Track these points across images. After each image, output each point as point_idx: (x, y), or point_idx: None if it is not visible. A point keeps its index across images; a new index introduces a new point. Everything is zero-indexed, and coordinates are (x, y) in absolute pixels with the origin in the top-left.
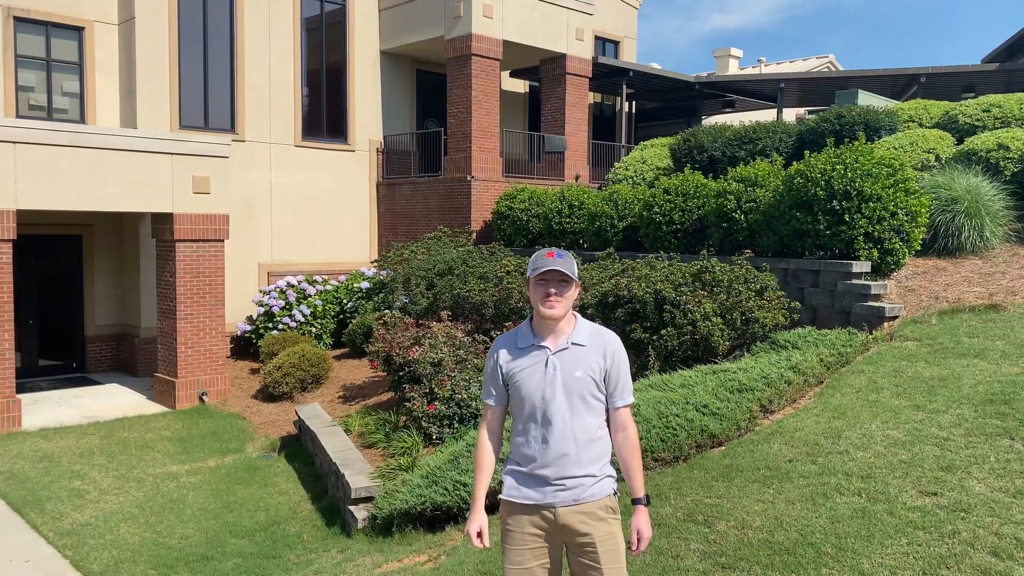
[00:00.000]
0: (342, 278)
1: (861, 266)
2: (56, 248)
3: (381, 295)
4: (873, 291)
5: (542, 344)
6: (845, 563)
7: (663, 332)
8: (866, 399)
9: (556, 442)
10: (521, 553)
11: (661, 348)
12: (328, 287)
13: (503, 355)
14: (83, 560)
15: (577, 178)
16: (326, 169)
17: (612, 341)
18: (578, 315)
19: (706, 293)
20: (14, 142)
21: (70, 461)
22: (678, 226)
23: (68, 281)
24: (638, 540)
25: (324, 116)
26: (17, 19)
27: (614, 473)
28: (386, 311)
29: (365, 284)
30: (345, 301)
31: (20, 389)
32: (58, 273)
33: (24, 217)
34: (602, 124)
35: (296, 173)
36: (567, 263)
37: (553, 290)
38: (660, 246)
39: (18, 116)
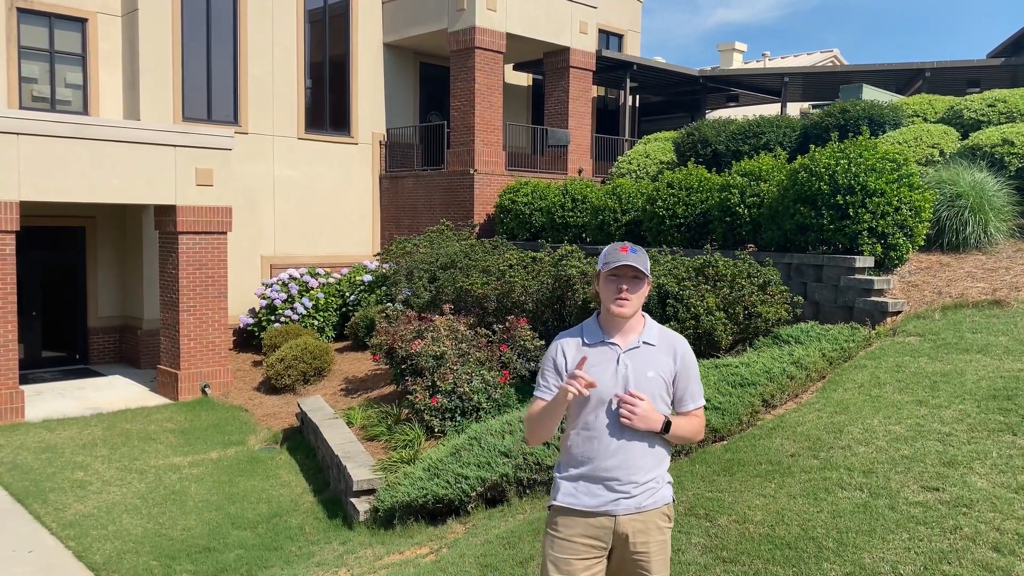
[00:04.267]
0: (344, 271)
1: (864, 261)
2: (59, 240)
3: (383, 288)
4: (876, 286)
5: (611, 341)
6: (846, 558)
7: (665, 326)
8: (868, 394)
9: (623, 444)
10: (568, 562)
11: None
12: (330, 280)
13: (567, 352)
14: (86, 551)
15: (580, 172)
16: (329, 162)
17: (681, 343)
18: (646, 314)
19: (709, 287)
20: (17, 133)
21: (73, 452)
22: (681, 220)
23: (71, 273)
24: (631, 404)
25: (327, 109)
26: (20, 10)
27: (671, 480)
28: (388, 304)
29: (368, 277)
30: (347, 294)
31: (23, 380)
32: (61, 265)
33: (27, 209)
34: (605, 118)
35: (299, 166)
36: (641, 259)
37: (625, 287)
38: (663, 240)
39: (21, 107)
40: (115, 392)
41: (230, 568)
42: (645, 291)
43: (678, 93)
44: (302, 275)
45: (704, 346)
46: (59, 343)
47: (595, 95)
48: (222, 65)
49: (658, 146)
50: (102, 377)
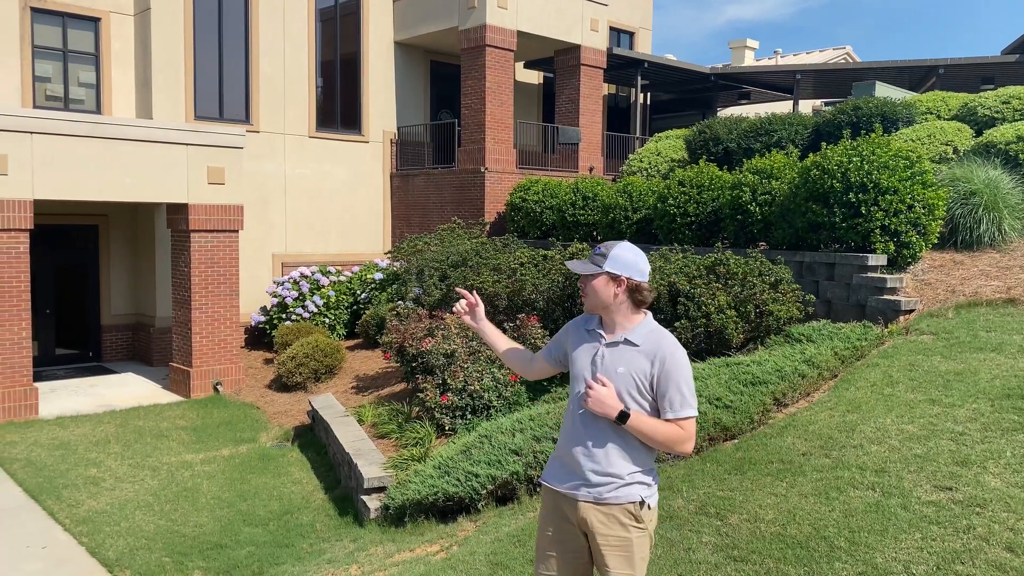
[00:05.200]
0: (356, 269)
1: (877, 259)
2: (72, 238)
3: (394, 286)
4: (889, 284)
5: (600, 333)
6: (858, 557)
7: (677, 324)
8: (881, 393)
9: (591, 432)
10: (544, 539)
11: None
12: (342, 278)
13: (571, 331)
14: (99, 547)
15: (591, 170)
16: (340, 160)
17: (666, 349)
18: (649, 315)
19: (720, 286)
20: (31, 132)
21: (86, 449)
22: (692, 218)
23: (84, 271)
24: (591, 386)
25: (338, 107)
26: (34, 10)
27: (648, 482)
28: (399, 302)
29: (379, 275)
30: (359, 292)
31: (37, 378)
32: (74, 263)
33: (41, 207)
34: (616, 116)
35: (310, 164)
36: (576, 264)
37: (580, 285)
38: (674, 238)
39: (35, 106)
40: (128, 389)
41: (242, 565)
42: (599, 288)
43: (689, 91)
44: (313, 273)
45: (715, 344)
46: (73, 341)
47: (606, 93)
48: (234, 64)
49: (669, 144)
50: (115, 375)
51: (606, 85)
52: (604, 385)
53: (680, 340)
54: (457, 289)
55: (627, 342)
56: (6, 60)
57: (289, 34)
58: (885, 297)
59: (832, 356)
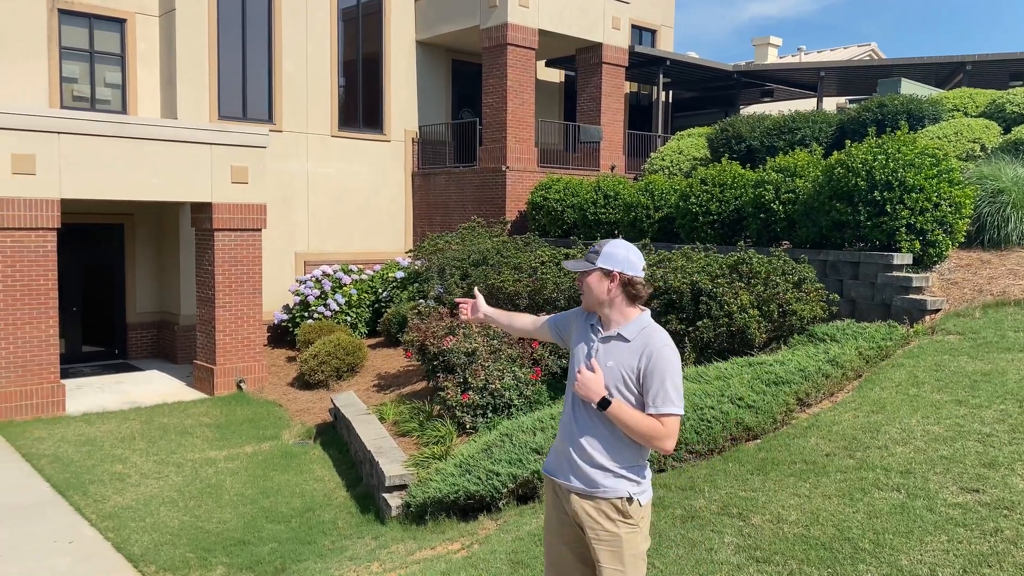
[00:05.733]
0: (377, 268)
1: (902, 258)
2: (98, 237)
3: (416, 285)
4: (915, 284)
5: (598, 328)
6: (883, 559)
7: (699, 324)
8: (906, 393)
9: (583, 423)
10: (549, 531)
11: (697, 340)
12: (363, 276)
13: (579, 320)
14: (124, 543)
15: (613, 168)
16: (362, 159)
17: (655, 342)
18: (645, 312)
19: (743, 285)
20: (59, 132)
21: (112, 445)
22: (715, 217)
23: (110, 269)
24: (580, 370)
25: (360, 106)
26: (61, 11)
27: (637, 479)
28: (420, 301)
29: (400, 274)
30: (380, 290)
31: (64, 375)
32: (100, 261)
33: (67, 206)
34: (638, 114)
35: (333, 163)
36: (572, 263)
37: (577, 283)
38: (696, 237)
39: (62, 107)
40: (152, 387)
41: (264, 561)
42: (594, 282)
43: (712, 88)
44: (335, 272)
45: (738, 344)
46: (99, 338)
47: (628, 91)
48: (257, 63)
49: (691, 142)
50: (140, 372)
51: (628, 83)
52: (593, 371)
53: (702, 339)
54: (457, 300)
55: (619, 337)
56: (34, 62)
57: (312, 34)
58: (911, 296)
59: (856, 356)
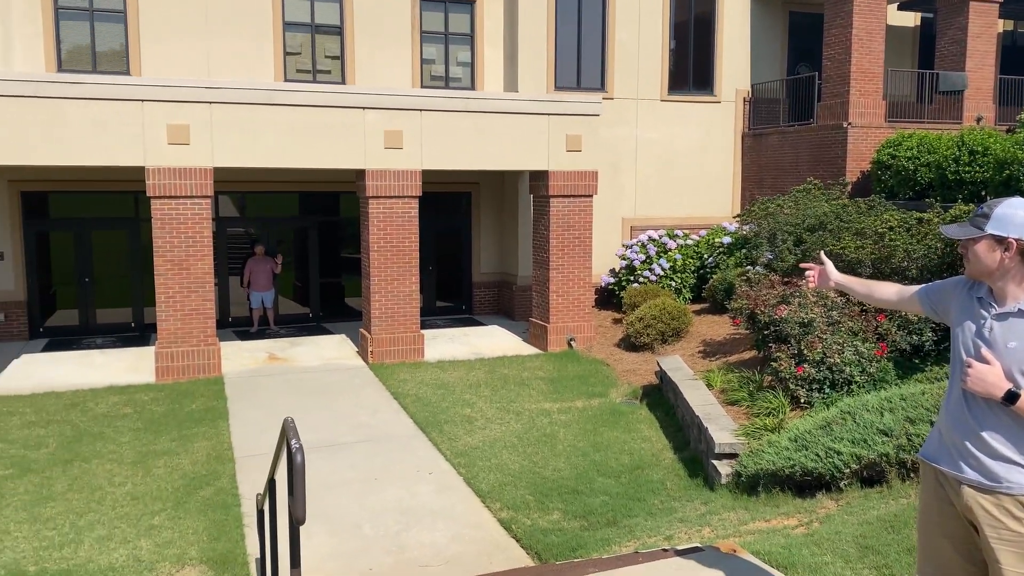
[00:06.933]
0: (702, 233)
1: None
2: (448, 204)
3: (743, 251)
4: None
5: (990, 303)
6: None
7: None
8: None
9: (971, 411)
10: (927, 520)
11: None
12: (688, 242)
13: (958, 292)
14: (473, 479)
15: (979, 120)
16: (690, 122)
17: None
18: None
19: None
20: (420, 110)
21: (461, 391)
22: None
23: (458, 233)
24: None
25: (690, 68)
26: None
27: None
28: (749, 267)
29: (727, 239)
30: (705, 256)
31: (422, 326)
32: (450, 226)
33: (425, 177)
34: (1013, 56)
35: (660, 128)
36: (953, 228)
37: (961, 250)
38: None
39: (422, 86)
40: (493, 340)
41: (596, 512)
42: (983, 250)
43: None
44: (660, 237)
45: None
46: (448, 295)
47: (1001, 30)
48: (591, 34)
49: None
50: (483, 326)
51: (1000, 21)
52: (988, 363)
53: None
54: (802, 265)
55: (1020, 313)
56: (399, 49)
57: (644, 1)
58: None
59: None
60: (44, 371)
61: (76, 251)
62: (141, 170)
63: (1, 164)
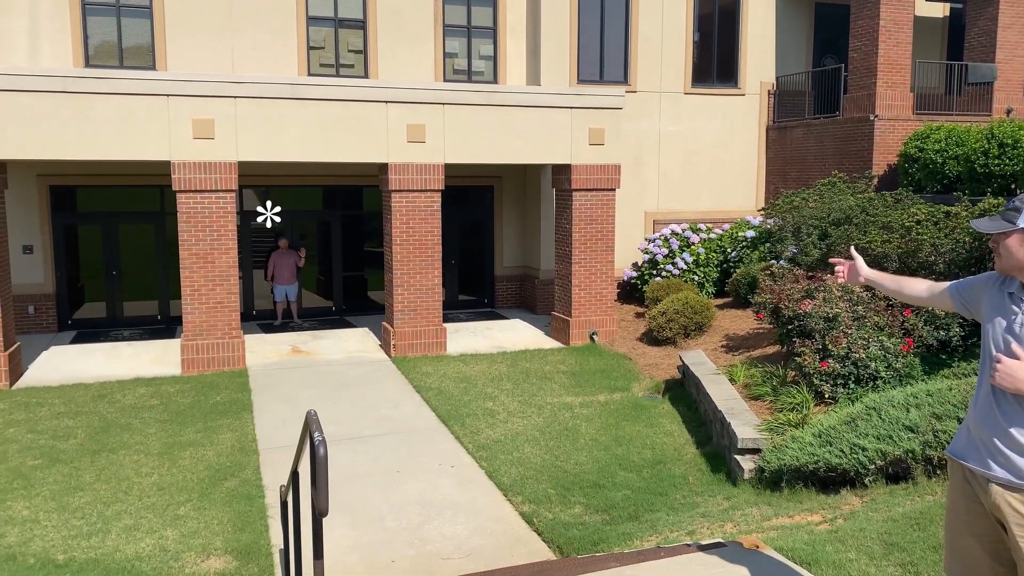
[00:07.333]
0: (726, 227)
1: None
2: (471, 198)
3: (767, 245)
4: None
5: (1022, 297)
6: None
7: None
8: None
9: (1001, 407)
10: (955, 518)
11: None
12: (711, 236)
13: (989, 287)
14: (495, 472)
15: (1009, 112)
16: (714, 115)
17: None
18: None
19: None
20: (443, 103)
21: (483, 384)
22: None
23: (480, 227)
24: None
25: (714, 61)
26: None
27: None
28: (772, 261)
29: (750, 233)
30: (728, 250)
31: (444, 319)
32: (473, 220)
33: (447, 170)
34: None
35: (684, 121)
36: (984, 222)
37: (992, 244)
38: None
39: (444, 80)
40: (515, 334)
41: (618, 506)
42: (1015, 245)
43: None
44: (683, 230)
45: None
46: (470, 288)
47: None
48: (614, 27)
49: None
50: (505, 320)
51: None
52: (1019, 358)
53: None
54: (832, 260)
55: None
56: (422, 43)
57: None
58: None
59: None
60: (72, 363)
61: (103, 244)
62: (167, 164)
63: (31, 159)
